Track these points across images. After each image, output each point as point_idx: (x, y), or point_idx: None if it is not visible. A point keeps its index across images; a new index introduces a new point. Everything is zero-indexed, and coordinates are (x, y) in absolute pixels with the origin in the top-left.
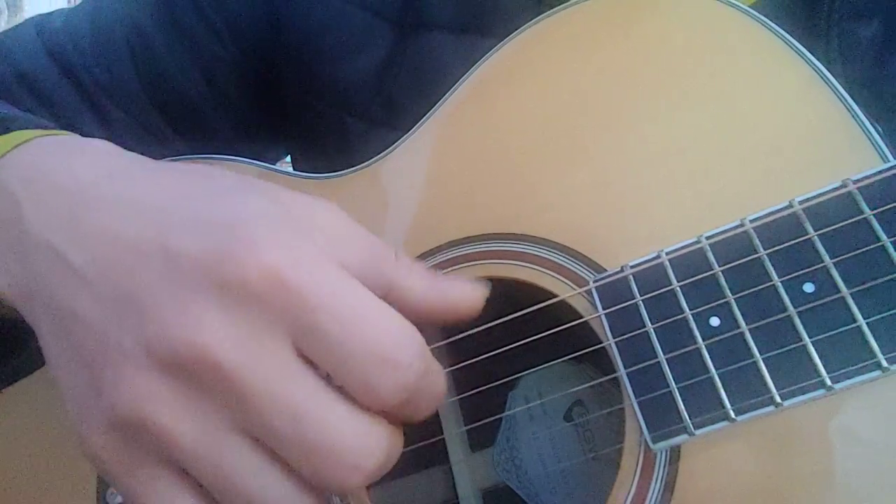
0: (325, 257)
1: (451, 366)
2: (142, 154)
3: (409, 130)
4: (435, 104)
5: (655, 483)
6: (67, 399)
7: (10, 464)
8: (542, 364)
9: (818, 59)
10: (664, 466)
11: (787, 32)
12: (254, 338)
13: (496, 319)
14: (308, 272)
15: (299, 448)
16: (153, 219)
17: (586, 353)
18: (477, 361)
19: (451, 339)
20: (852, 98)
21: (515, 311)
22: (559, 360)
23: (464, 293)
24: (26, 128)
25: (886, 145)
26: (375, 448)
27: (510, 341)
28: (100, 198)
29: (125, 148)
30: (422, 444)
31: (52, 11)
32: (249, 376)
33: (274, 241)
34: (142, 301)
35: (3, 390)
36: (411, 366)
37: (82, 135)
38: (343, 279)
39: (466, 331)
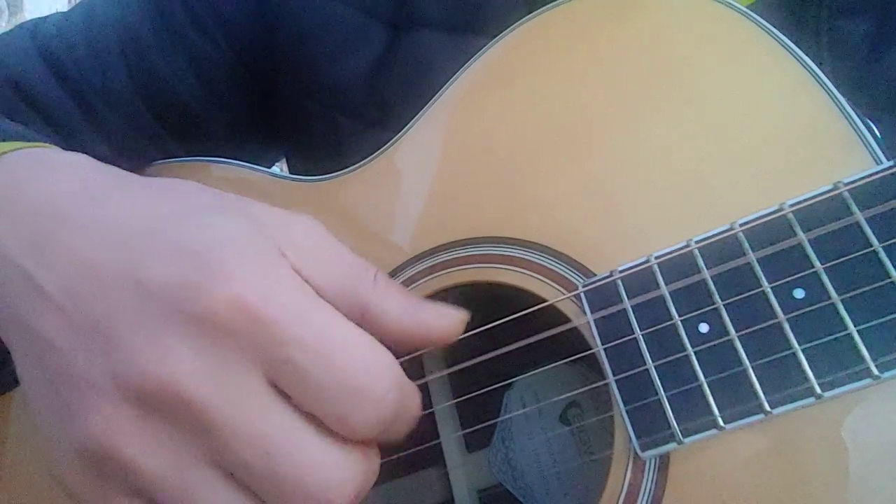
0: (298, 283)
1: (447, 369)
2: (138, 156)
3: (401, 130)
4: (427, 104)
5: (644, 490)
6: (39, 422)
7: (18, 465)
8: (537, 366)
9: (808, 56)
10: (654, 472)
11: (777, 29)
12: (224, 371)
13: (488, 323)
14: (279, 302)
15: (271, 482)
16: (126, 246)
17: (580, 356)
18: (472, 364)
19: None
20: (842, 96)
21: (507, 315)
22: (554, 365)
23: (442, 319)
24: (3, 139)
25: (880, 146)
26: (349, 479)
27: (504, 345)
28: (73, 221)
29: (120, 152)
30: (417, 448)
31: (47, 15)
32: (220, 410)
33: (244, 269)
34: (111, 331)
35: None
36: (386, 397)
37: (76, 139)
38: (316, 307)
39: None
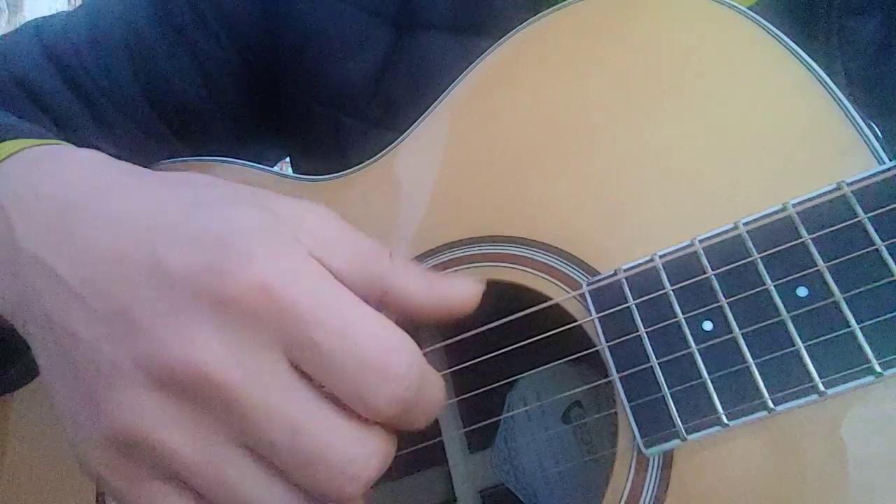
0: (316, 267)
1: (450, 368)
2: (143, 155)
3: (405, 131)
4: (431, 105)
5: (648, 487)
6: (63, 415)
7: (22, 463)
8: (539, 365)
9: (818, 57)
10: (657, 470)
11: (787, 30)
12: (249, 353)
13: (493, 322)
14: (300, 286)
15: (297, 460)
16: (144, 234)
17: (584, 354)
18: (475, 363)
19: (449, 340)
20: (852, 95)
21: (512, 314)
22: (557, 363)
23: (460, 291)
24: (18, 136)
25: (882, 146)
26: (372, 458)
27: (507, 343)
28: (90, 213)
29: (125, 151)
30: (420, 446)
31: (52, 14)
32: (246, 392)
33: (265, 254)
34: (136, 318)
35: (17, 391)
36: (405, 376)
37: (82, 139)
38: (335, 290)
39: (464, 333)
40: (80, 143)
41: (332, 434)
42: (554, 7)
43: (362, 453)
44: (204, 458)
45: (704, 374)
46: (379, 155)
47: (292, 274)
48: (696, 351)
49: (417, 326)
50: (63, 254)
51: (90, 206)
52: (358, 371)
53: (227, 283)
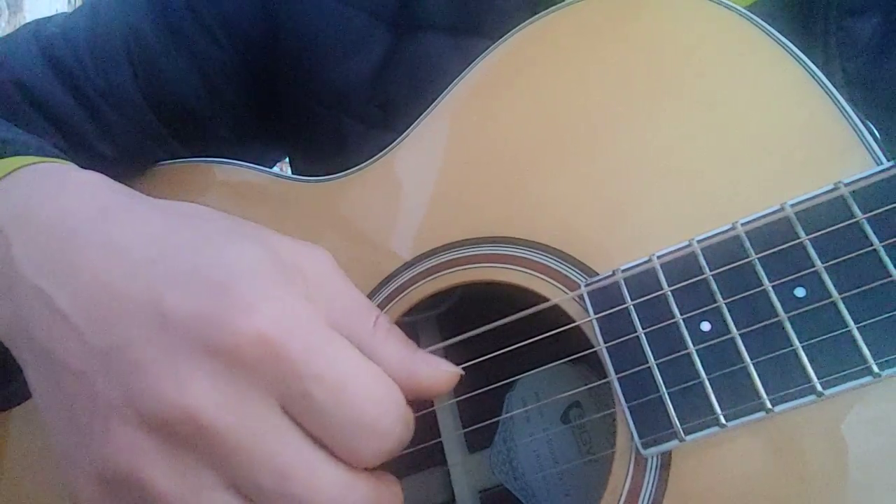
0: (316, 318)
1: None
2: (142, 156)
3: (405, 131)
4: (430, 105)
5: (647, 487)
6: (55, 442)
7: (21, 478)
8: (539, 366)
9: (817, 57)
10: (655, 471)
11: (785, 30)
12: (242, 400)
13: (493, 322)
14: (300, 338)
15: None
16: (145, 271)
17: (582, 355)
18: (474, 363)
19: (449, 341)
20: (850, 96)
21: (512, 314)
22: (556, 363)
23: (435, 374)
24: (20, 153)
25: (879, 146)
26: (358, 500)
27: (507, 344)
28: (90, 241)
29: (124, 153)
30: (420, 446)
31: (51, 16)
32: (237, 437)
33: (265, 302)
34: (132, 356)
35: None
36: (392, 433)
37: (81, 141)
38: (332, 343)
39: (464, 333)
40: (79, 146)
41: (319, 479)
42: (553, 7)
43: (350, 497)
44: (189, 499)
45: (702, 374)
46: (378, 155)
47: (293, 325)
48: (693, 351)
49: (417, 326)
50: (61, 283)
51: (88, 235)
52: (349, 427)
53: (227, 333)
